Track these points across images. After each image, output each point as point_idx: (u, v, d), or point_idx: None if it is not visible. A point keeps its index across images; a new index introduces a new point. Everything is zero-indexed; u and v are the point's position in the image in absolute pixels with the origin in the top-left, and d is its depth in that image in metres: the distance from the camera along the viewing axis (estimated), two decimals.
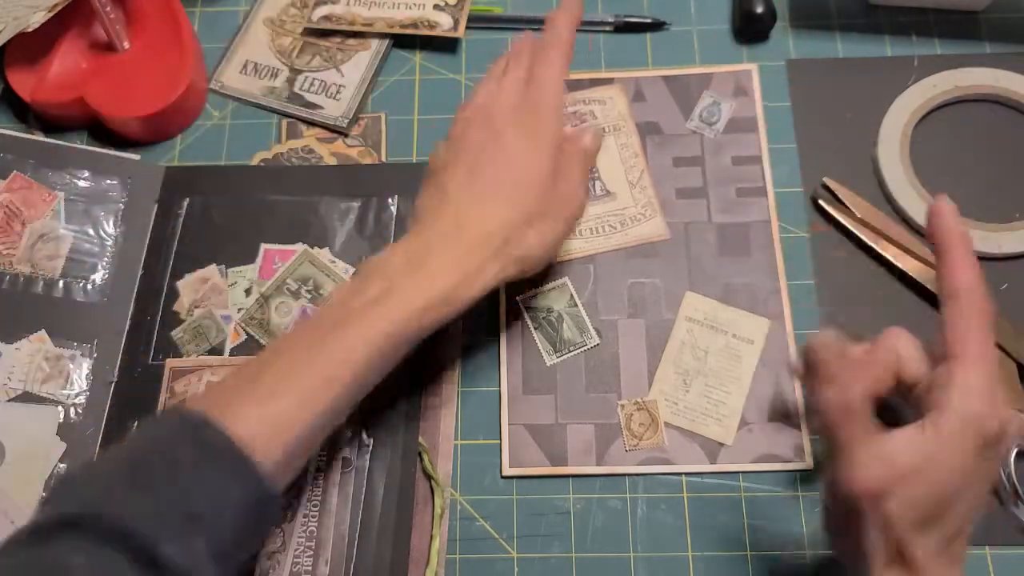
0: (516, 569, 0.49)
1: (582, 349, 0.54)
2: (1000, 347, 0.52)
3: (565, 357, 0.54)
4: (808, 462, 0.50)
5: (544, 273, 0.55)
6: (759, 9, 0.60)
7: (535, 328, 0.55)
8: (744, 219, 0.56)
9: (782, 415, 0.52)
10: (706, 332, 0.54)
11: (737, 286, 0.55)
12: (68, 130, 0.63)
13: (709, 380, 0.53)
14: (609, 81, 0.61)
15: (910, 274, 0.54)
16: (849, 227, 0.55)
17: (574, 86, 0.61)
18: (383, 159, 0.60)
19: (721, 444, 0.51)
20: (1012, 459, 0.49)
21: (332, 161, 0.60)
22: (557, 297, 0.55)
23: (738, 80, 0.60)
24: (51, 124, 0.63)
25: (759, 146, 0.58)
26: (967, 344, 0.39)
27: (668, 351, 0.53)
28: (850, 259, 0.55)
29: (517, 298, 0.55)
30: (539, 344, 0.54)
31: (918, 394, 0.41)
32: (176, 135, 0.62)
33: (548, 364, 0.54)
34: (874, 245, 0.55)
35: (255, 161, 0.61)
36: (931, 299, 0.54)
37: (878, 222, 0.55)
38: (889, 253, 0.55)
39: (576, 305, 0.55)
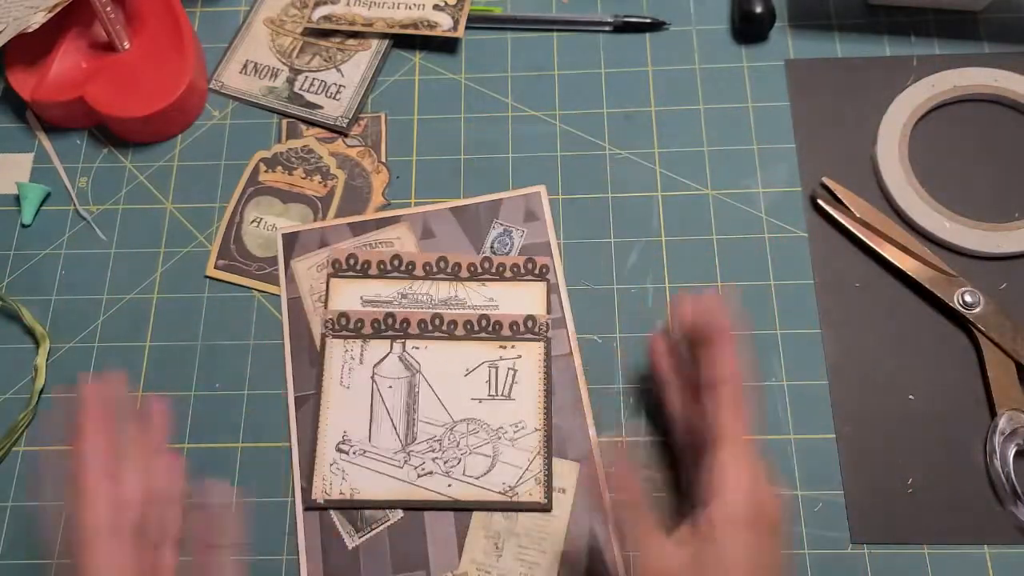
0: None
1: (384, 525, 0.50)
2: (1000, 347, 0.52)
3: (368, 536, 0.50)
4: None
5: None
6: (758, 9, 0.60)
7: (333, 508, 0.51)
8: None
9: (601, 570, 0.48)
10: None
11: None
12: (68, 130, 0.63)
13: (522, 540, 0.49)
14: (395, 220, 0.57)
15: (909, 273, 0.54)
16: (848, 227, 0.55)
17: (358, 228, 0.57)
18: (383, 159, 0.60)
19: None
20: (1012, 459, 0.49)
21: (332, 161, 0.60)
22: None
23: (528, 204, 0.57)
24: (51, 124, 0.63)
25: (555, 272, 0.55)
26: (728, 429, 0.42)
27: (477, 513, 0.50)
28: (849, 259, 0.55)
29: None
30: (339, 525, 0.50)
31: (691, 483, 0.43)
32: (176, 135, 0.62)
33: (350, 547, 0.50)
34: (873, 245, 0.55)
35: (254, 161, 0.61)
36: (930, 298, 0.54)
37: (877, 222, 0.55)
38: (888, 252, 0.55)
39: None
